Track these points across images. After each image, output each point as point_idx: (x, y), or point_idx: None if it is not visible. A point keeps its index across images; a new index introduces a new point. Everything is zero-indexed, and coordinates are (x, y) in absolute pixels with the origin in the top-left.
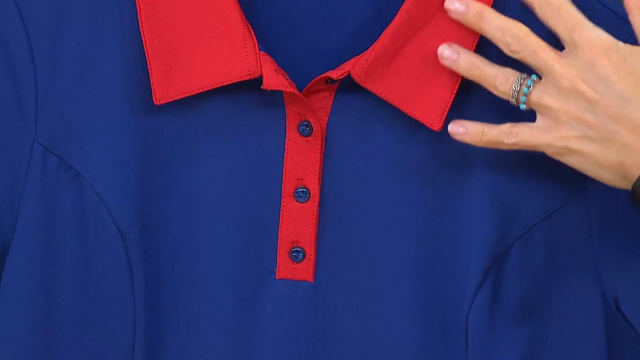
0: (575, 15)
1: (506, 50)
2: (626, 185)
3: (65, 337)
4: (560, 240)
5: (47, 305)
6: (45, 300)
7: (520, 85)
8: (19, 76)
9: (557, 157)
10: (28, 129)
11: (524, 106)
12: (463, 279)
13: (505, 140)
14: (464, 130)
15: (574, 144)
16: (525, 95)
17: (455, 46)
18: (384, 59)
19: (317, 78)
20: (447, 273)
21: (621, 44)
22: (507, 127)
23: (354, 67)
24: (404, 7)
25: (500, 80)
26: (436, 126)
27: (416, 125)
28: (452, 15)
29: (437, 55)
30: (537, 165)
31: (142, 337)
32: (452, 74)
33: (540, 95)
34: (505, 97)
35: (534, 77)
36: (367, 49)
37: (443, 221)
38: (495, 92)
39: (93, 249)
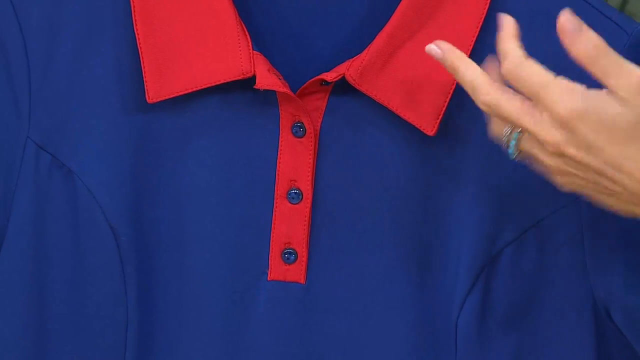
0: (540, 76)
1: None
2: None
3: (57, 334)
4: (551, 246)
5: (39, 303)
6: (37, 298)
7: (509, 135)
8: (13, 72)
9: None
10: (21, 126)
11: (513, 154)
12: (453, 283)
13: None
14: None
15: (580, 189)
16: (515, 140)
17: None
18: (379, 62)
19: (311, 80)
20: (437, 277)
21: (587, 101)
22: None
23: (349, 69)
24: (399, 10)
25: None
26: (430, 131)
27: (410, 129)
28: (433, 52)
29: (432, 59)
30: (529, 170)
31: (133, 335)
32: (447, 78)
33: (531, 147)
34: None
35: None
36: (362, 51)
37: (434, 225)
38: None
39: (85, 247)
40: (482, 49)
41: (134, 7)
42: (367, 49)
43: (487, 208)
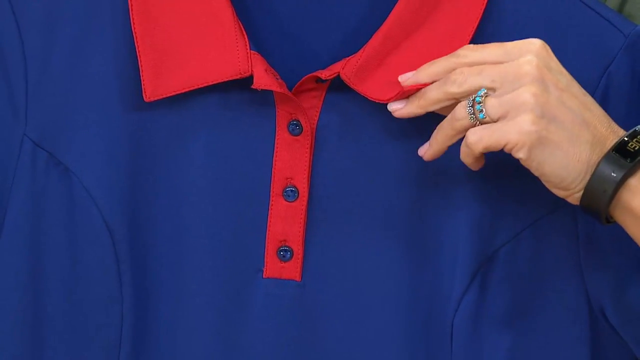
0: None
1: (456, 89)
2: (578, 185)
3: (52, 332)
4: (547, 247)
5: (34, 301)
6: (32, 296)
7: (473, 101)
8: (10, 70)
9: (523, 153)
10: (18, 124)
11: (483, 114)
12: (449, 282)
13: (471, 139)
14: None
15: (545, 131)
16: (480, 103)
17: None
18: (375, 61)
19: (306, 77)
20: (433, 276)
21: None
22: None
23: (344, 68)
24: (396, 10)
25: (456, 112)
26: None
27: (406, 127)
28: (397, 114)
29: (427, 60)
30: (525, 171)
31: (129, 334)
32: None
33: (499, 99)
34: (464, 122)
35: (481, 91)
36: (358, 50)
37: (431, 224)
38: (457, 124)
39: (81, 245)
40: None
41: (131, 5)
42: (363, 48)
43: (483, 208)
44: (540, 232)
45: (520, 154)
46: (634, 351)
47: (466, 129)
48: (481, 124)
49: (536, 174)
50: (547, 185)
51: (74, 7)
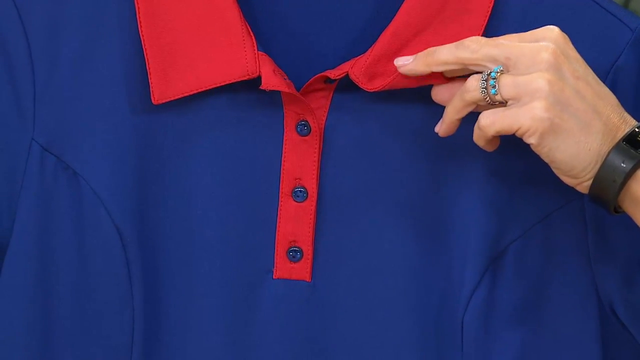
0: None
1: (467, 55)
2: (588, 174)
3: (62, 336)
4: (557, 243)
5: (44, 304)
6: (42, 299)
7: (487, 75)
8: (17, 74)
9: (534, 139)
10: (26, 128)
11: (495, 90)
12: (459, 279)
13: (483, 122)
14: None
15: (557, 119)
16: (494, 79)
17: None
18: (383, 61)
19: (315, 77)
20: (443, 274)
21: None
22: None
23: (353, 67)
24: (403, 9)
25: (467, 83)
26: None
27: (413, 126)
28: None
29: None
30: (535, 167)
31: (140, 336)
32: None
33: (513, 78)
34: (475, 93)
35: (498, 67)
36: (366, 50)
37: (440, 222)
38: (466, 95)
39: (91, 249)
40: None
41: (138, 8)
42: (371, 47)
43: (493, 205)
44: (550, 228)
45: (531, 140)
46: None
47: (475, 102)
48: (491, 101)
49: (546, 160)
50: (556, 172)
51: (80, 10)
